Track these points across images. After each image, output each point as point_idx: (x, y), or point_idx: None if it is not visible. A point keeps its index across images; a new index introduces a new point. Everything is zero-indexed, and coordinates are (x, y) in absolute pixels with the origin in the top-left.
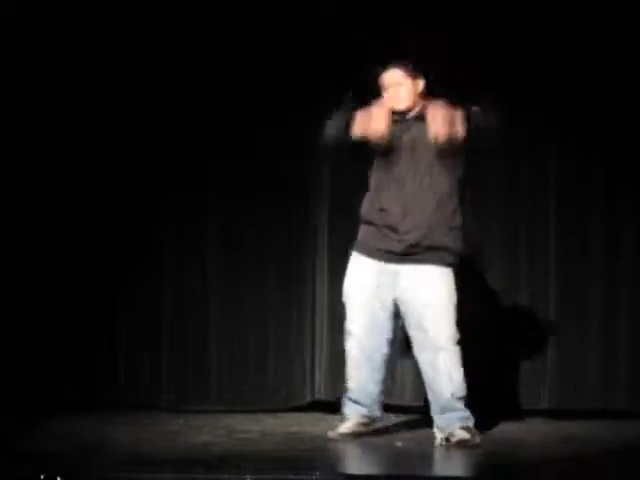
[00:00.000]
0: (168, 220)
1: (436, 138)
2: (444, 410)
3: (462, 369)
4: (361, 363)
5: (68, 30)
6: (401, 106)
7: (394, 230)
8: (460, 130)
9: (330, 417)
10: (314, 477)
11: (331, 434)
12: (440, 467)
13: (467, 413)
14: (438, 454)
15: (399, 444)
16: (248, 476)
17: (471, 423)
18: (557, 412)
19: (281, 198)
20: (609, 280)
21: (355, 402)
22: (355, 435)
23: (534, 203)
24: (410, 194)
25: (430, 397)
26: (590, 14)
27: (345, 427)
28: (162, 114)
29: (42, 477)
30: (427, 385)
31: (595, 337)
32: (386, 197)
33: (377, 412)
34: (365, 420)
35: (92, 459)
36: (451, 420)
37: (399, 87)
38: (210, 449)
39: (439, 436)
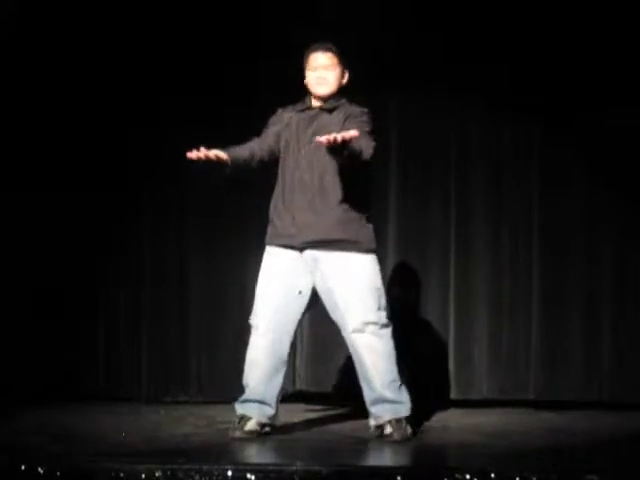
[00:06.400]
0: (145, 214)
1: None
2: (375, 402)
3: (392, 357)
4: (267, 359)
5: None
6: (325, 91)
7: (295, 230)
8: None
9: (311, 407)
10: (294, 467)
11: (236, 433)
12: (419, 457)
13: (399, 403)
14: (417, 443)
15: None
16: (229, 466)
17: (403, 413)
18: (540, 403)
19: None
20: (591, 272)
21: (259, 402)
22: (259, 433)
23: (517, 194)
24: (312, 192)
25: (363, 389)
26: (574, 16)
27: (250, 425)
28: None
29: (23, 468)
30: (360, 377)
31: (578, 328)
32: (290, 196)
33: (276, 407)
34: (267, 420)
35: (73, 450)
36: (382, 411)
37: (327, 71)
38: (191, 440)
39: (372, 424)
